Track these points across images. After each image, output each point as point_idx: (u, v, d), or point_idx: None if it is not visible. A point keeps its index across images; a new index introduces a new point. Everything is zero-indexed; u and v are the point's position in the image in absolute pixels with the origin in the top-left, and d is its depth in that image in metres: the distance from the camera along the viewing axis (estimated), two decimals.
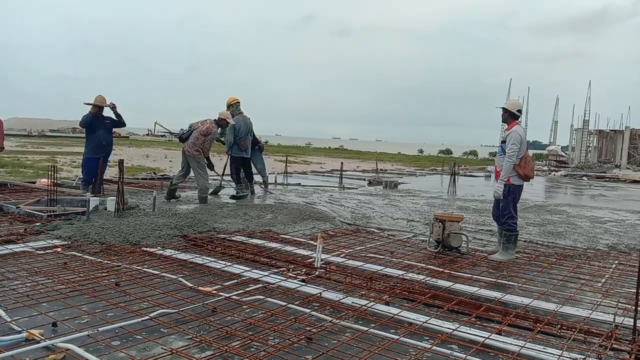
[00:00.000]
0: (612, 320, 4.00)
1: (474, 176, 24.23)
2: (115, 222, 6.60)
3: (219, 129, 9.71)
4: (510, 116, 6.20)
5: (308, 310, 3.88)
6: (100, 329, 3.28)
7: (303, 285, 4.54)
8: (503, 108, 6.24)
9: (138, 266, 4.91)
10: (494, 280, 5.15)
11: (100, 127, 9.40)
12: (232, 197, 9.96)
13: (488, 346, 3.39)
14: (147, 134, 71.87)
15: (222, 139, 10.64)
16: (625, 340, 3.60)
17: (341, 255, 5.83)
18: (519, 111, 6.29)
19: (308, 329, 3.53)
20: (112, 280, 4.41)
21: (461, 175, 22.23)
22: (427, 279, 5.01)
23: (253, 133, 11.03)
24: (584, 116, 45.12)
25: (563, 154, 45.06)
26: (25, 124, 75.77)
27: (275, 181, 14.55)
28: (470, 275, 5.26)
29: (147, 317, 3.55)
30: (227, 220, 7.48)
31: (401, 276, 5.05)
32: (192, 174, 9.48)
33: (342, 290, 4.49)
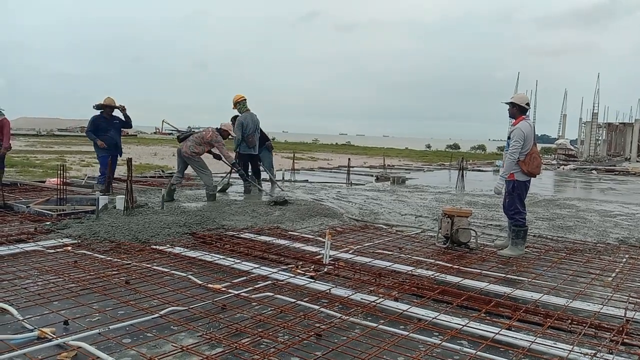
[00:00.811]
0: (623, 314, 3.98)
1: (482, 171, 24.13)
2: (125, 220, 6.64)
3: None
4: (519, 110, 6.16)
5: (317, 307, 3.88)
6: (111, 327, 3.31)
7: (312, 281, 4.55)
8: (511, 102, 6.19)
9: (148, 264, 4.93)
10: (504, 275, 5.13)
11: (111, 128, 9.64)
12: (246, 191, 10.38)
13: (498, 342, 3.38)
14: (154, 132, 72.16)
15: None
16: (637, 335, 3.58)
17: (349, 252, 5.83)
18: (527, 104, 6.25)
19: (317, 325, 3.54)
20: (122, 278, 4.44)
21: (469, 170, 22.15)
22: (436, 274, 5.00)
23: (261, 130, 11.09)
24: (593, 109, 44.73)
25: (572, 147, 44.74)
26: (34, 123, 76.30)
27: (283, 178, 14.56)
28: (479, 271, 5.24)
29: (157, 315, 3.57)
30: (236, 218, 7.50)
31: (410, 272, 5.04)
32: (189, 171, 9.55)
33: (351, 286, 4.49)
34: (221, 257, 5.29)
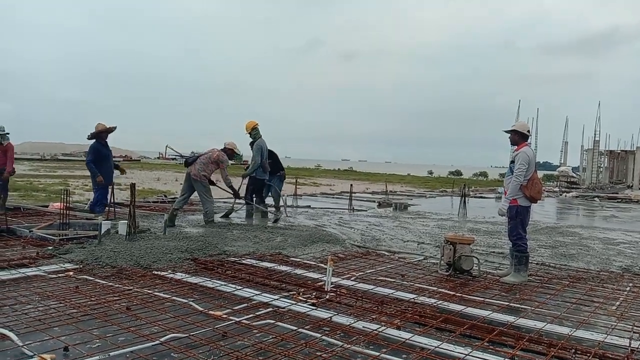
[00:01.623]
0: (628, 344, 3.94)
1: (484, 197, 24.11)
2: (127, 245, 6.64)
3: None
4: (521, 137, 6.26)
5: (319, 335, 3.86)
6: (111, 354, 3.29)
7: (313, 309, 4.52)
8: (513, 130, 6.29)
9: (149, 290, 4.92)
10: (507, 303, 5.09)
11: (109, 154, 9.62)
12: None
13: None
14: (158, 157, 72.51)
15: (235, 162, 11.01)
16: None
17: (351, 279, 5.80)
18: (529, 132, 6.38)
19: (319, 354, 3.51)
20: (123, 304, 4.42)
21: (471, 197, 22.14)
22: (438, 302, 4.97)
23: (278, 158, 11.62)
24: (594, 137, 44.92)
25: (574, 174, 44.76)
26: (38, 148, 76.80)
27: (285, 203, 14.55)
28: (482, 299, 5.21)
29: (157, 342, 3.55)
30: (237, 243, 7.49)
31: (412, 300, 5.01)
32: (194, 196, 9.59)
33: (353, 314, 4.46)
34: (222, 283, 5.27)
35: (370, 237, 9.08)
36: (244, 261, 6.48)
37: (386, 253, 7.71)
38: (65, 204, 8.03)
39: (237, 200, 10.70)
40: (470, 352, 3.63)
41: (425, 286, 5.66)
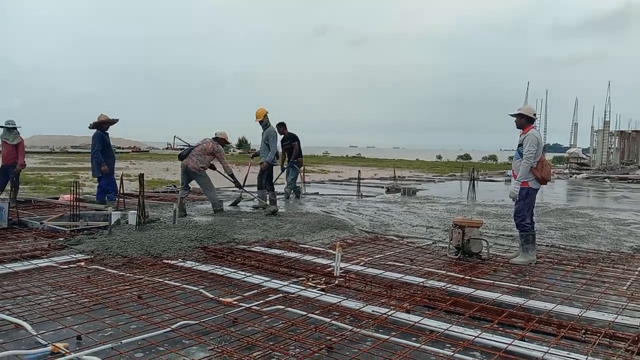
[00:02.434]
0: (638, 324, 3.93)
1: (493, 181, 23.99)
2: (137, 235, 6.69)
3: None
4: (527, 121, 6.26)
5: (328, 320, 3.88)
6: (123, 342, 3.33)
7: (323, 294, 4.55)
8: (519, 114, 6.27)
9: (159, 278, 4.96)
10: (516, 285, 5.09)
11: (110, 145, 9.96)
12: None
13: (511, 352, 3.35)
14: (166, 148, 72.77)
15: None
16: None
17: (360, 264, 5.82)
18: (535, 115, 6.41)
19: (328, 338, 3.53)
20: (135, 292, 4.47)
21: (481, 181, 22.05)
22: (447, 286, 4.97)
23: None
24: (605, 117, 44.47)
25: (584, 156, 44.42)
26: (48, 141, 77.31)
27: (295, 192, 14.57)
28: (491, 282, 5.21)
29: (169, 329, 3.59)
30: (246, 231, 7.52)
31: (421, 284, 5.02)
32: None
33: (362, 298, 4.48)
34: (232, 270, 5.31)
35: (379, 223, 9.08)
36: (253, 248, 6.52)
37: (395, 238, 7.71)
38: (75, 196, 8.10)
39: (244, 192, 10.76)
40: (480, 334, 3.64)
41: (434, 270, 5.66)
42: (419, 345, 3.44)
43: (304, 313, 4.02)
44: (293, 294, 4.55)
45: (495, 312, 4.16)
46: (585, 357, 3.26)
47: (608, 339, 3.61)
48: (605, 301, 4.64)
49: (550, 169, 6.38)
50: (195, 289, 4.61)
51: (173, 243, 6.38)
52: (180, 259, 5.78)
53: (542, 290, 4.94)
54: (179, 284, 4.76)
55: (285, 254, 6.20)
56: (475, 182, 15.23)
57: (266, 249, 6.52)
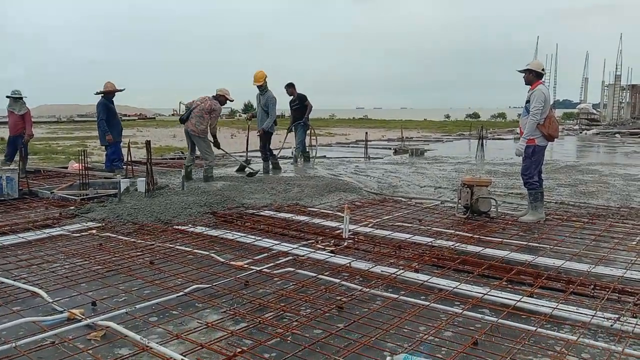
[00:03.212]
0: None
1: (502, 139, 23.80)
2: (146, 202, 6.74)
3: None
4: (536, 76, 6.15)
5: (338, 280, 3.92)
6: (137, 306, 3.39)
7: (332, 256, 4.59)
8: (528, 70, 6.14)
9: (171, 244, 5.02)
10: (525, 243, 5.10)
11: (116, 113, 9.96)
12: (250, 174, 9.82)
13: (520, 309, 3.39)
14: (172, 114, 72.57)
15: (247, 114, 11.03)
16: None
17: (369, 225, 5.84)
18: (543, 70, 6.28)
19: (339, 298, 3.58)
20: (147, 258, 4.54)
21: (489, 139, 21.87)
22: (456, 245, 5.00)
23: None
24: (616, 71, 43.60)
25: (594, 111, 43.77)
26: (54, 110, 77.25)
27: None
28: (500, 239, 5.22)
29: (182, 293, 3.65)
30: (255, 196, 7.55)
31: (430, 243, 5.05)
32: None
33: (371, 259, 4.52)
34: (242, 234, 5.36)
35: (387, 184, 9.08)
36: (262, 213, 6.55)
37: (403, 199, 7.72)
38: (84, 165, 8.14)
39: (226, 153, 10.73)
40: (489, 291, 3.67)
41: (442, 230, 5.68)
42: (428, 303, 3.48)
43: (314, 274, 4.06)
44: (303, 256, 4.60)
45: (504, 269, 4.19)
46: (594, 312, 3.28)
47: (617, 294, 3.63)
48: (614, 257, 4.64)
49: (558, 126, 6.28)
50: (206, 253, 4.66)
51: (183, 209, 6.42)
52: (190, 225, 5.83)
53: (551, 247, 4.95)
54: (190, 249, 4.82)
55: (294, 218, 6.24)
56: (484, 140, 15.10)
57: (275, 212, 6.55)
